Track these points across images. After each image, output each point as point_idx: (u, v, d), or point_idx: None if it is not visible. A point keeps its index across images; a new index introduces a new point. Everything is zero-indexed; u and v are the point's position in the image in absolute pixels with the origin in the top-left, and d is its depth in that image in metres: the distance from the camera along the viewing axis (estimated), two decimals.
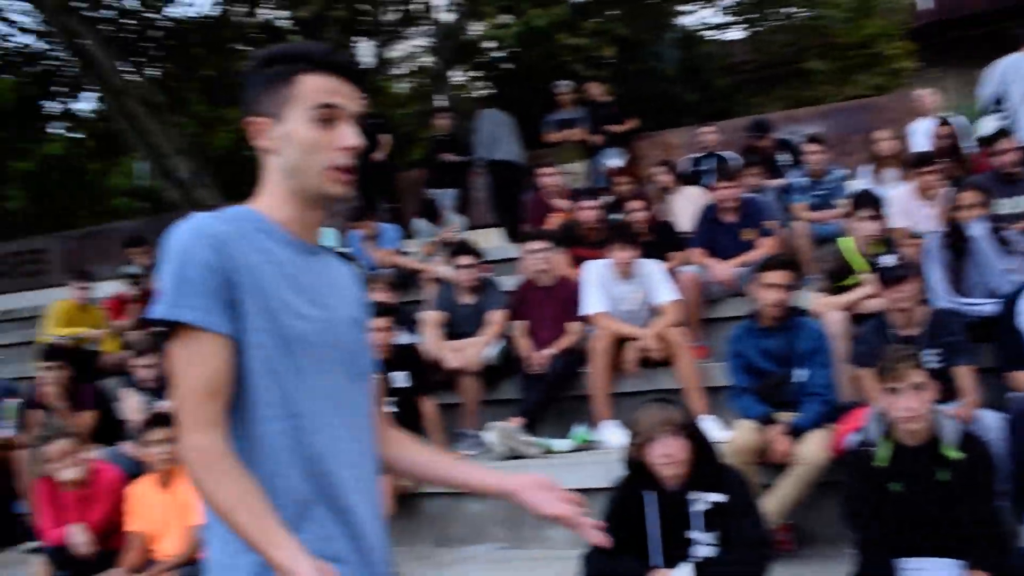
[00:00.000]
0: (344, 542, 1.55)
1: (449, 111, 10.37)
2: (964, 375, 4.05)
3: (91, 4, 12.18)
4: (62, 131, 17.16)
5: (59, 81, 15.85)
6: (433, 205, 9.42)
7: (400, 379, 5.10)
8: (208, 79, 14.91)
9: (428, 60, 16.36)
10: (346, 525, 1.55)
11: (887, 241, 5.14)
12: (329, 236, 8.35)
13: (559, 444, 5.22)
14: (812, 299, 5.10)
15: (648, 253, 6.35)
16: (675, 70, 12.93)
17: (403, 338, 5.56)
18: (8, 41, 15.23)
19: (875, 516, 3.28)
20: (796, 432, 4.12)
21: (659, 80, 12.81)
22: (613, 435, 5.06)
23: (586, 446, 5.15)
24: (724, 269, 5.97)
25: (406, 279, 7.49)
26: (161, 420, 4.15)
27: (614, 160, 8.98)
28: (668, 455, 3.18)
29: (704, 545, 3.23)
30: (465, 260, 5.84)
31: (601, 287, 5.50)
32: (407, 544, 4.84)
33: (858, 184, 6.97)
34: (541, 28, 9.33)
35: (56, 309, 7.48)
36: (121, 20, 13.95)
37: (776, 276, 4.43)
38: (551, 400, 5.39)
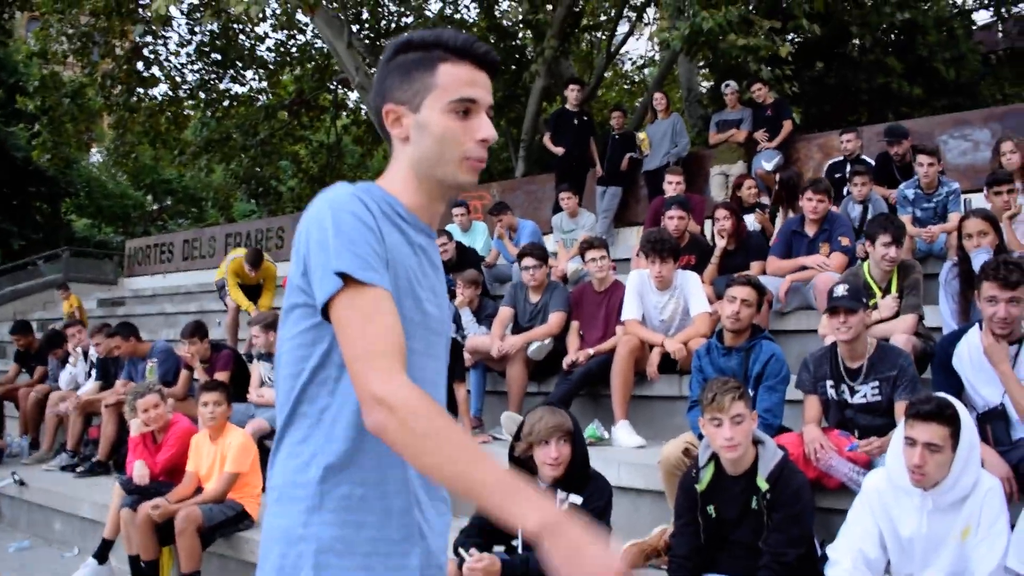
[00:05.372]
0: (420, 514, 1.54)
1: (623, 110, 10.75)
2: (901, 410, 3.99)
3: (344, 10, 13.80)
4: (332, 119, 19.33)
5: (336, 75, 18.05)
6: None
7: None
8: None
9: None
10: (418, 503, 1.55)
11: (903, 267, 5.01)
12: (480, 231, 9.16)
13: None
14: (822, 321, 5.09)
15: (727, 263, 6.54)
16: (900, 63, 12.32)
17: None
18: (294, 39, 17.61)
19: (689, 535, 3.51)
20: None
21: (877, 72, 12.26)
22: (624, 435, 5.42)
23: (596, 442, 5.41)
24: (781, 282, 6.02)
25: None
26: (211, 387, 5.19)
27: (768, 163, 8.97)
28: (555, 458, 3.50)
29: None
30: (531, 262, 6.36)
31: (638, 296, 5.82)
32: None
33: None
34: (710, 30, 9.42)
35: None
36: (368, 21, 15.64)
37: (738, 291, 4.51)
38: (575, 395, 5.77)
